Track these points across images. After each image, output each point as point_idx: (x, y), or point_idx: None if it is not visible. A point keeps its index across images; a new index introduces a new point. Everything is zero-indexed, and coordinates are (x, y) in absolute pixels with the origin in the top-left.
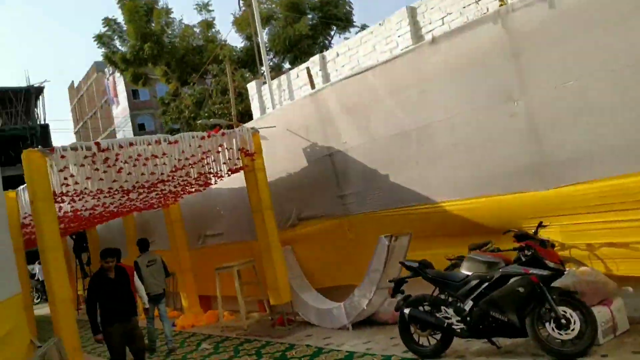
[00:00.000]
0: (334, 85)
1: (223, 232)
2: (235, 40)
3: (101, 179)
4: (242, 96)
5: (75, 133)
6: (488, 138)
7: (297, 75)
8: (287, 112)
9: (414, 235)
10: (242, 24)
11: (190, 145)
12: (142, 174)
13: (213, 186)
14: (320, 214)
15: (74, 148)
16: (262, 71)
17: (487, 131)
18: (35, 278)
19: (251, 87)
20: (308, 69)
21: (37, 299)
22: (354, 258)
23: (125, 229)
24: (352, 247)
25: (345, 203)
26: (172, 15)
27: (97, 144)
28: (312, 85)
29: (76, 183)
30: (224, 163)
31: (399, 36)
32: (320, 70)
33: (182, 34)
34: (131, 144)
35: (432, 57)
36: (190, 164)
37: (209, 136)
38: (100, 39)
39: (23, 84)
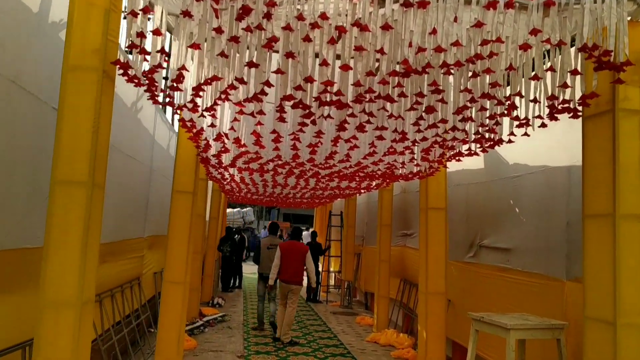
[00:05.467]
0: None
1: (511, 248)
2: None
3: (224, 55)
4: None
5: None
6: None
7: None
8: None
9: None
10: None
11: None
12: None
13: (507, 153)
14: None
15: None
16: None
17: None
18: None
19: None
20: None
21: None
22: None
23: (378, 207)
24: None
25: None
26: None
27: None
28: None
29: (165, 56)
30: (530, 79)
31: None
32: None
33: None
34: None
35: None
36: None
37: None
38: None
39: None
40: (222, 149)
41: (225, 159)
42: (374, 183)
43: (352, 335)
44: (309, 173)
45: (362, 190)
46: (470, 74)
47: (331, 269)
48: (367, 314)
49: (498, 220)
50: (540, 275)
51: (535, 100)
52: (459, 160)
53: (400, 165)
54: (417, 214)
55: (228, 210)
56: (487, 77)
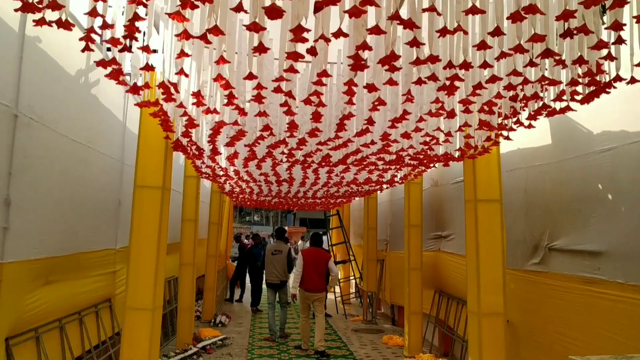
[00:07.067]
0: None
1: (603, 250)
2: None
3: None
4: None
5: None
6: None
7: None
8: None
9: None
10: None
11: None
12: None
13: (588, 122)
14: None
15: None
16: None
17: None
18: None
19: None
20: None
21: None
22: None
23: (405, 204)
24: None
25: None
26: None
27: None
28: None
29: None
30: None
31: None
32: None
33: None
34: None
35: None
36: None
37: None
38: None
39: None
40: (186, 118)
41: (200, 139)
42: (399, 174)
43: None
44: (315, 157)
45: (385, 186)
46: None
47: (350, 277)
48: (395, 331)
49: (577, 213)
50: None
51: None
52: (530, 126)
53: (444, 139)
54: (454, 211)
55: None
56: None
